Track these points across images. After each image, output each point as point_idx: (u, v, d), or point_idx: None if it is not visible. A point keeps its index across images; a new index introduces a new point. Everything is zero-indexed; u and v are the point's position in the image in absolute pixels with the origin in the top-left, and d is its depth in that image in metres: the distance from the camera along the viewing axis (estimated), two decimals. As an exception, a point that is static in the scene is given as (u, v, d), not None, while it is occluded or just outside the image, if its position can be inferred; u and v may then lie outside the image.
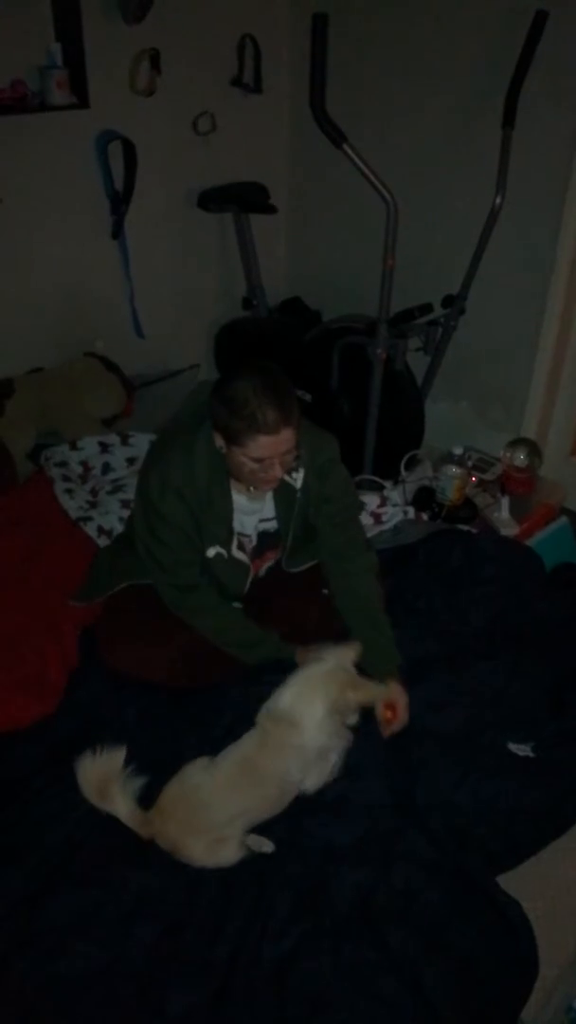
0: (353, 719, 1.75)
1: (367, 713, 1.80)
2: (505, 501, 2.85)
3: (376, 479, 2.87)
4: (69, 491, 2.57)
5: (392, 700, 1.82)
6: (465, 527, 2.70)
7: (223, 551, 1.94)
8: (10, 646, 2.05)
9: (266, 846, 1.70)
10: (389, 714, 1.83)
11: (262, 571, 2.13)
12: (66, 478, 2.64)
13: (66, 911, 1.56)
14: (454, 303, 2.91)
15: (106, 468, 2.76)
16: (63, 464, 2.71)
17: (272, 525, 2.00)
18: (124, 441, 2.82)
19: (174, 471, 1.81)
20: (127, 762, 1.68)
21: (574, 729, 1.97)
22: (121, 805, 1.64)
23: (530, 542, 2.72)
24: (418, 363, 3.03)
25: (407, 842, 1.72)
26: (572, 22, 2.53)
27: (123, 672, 2.03)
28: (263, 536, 2.02)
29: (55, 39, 2.58)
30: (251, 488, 1.86)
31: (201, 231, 3.31)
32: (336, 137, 2.27)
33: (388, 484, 2.87)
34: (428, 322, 2.85)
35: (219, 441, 1.75)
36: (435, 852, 1.70)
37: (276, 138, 3.42)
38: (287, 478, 1.87)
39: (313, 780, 1.74)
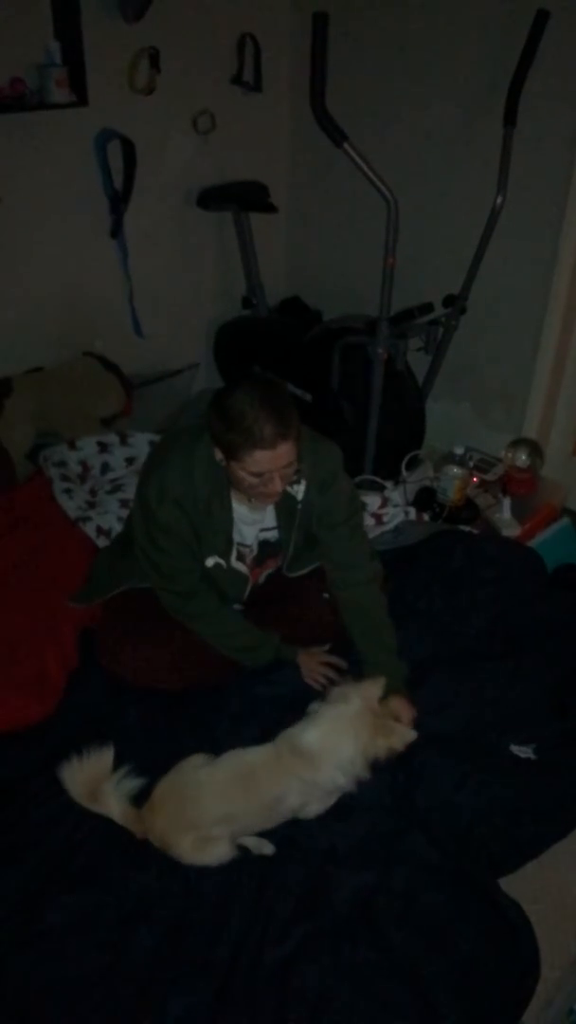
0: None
1: None
2: (506, 502, 2.85)
3: (377, 479, 2.87)
4: (68, 491, 2.56)
5: (398, 715, 1.80)
6: (466, 528, 2.70)
7: (222, 561, 1.93)
8: (9, 646, 2.04)
9: (266, 847, 1.70)
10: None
11: (262, 578, 2.12)
12: (65, 478, 2.63)
13: (66, 912, 1.56)
14: (455, 303, 2.91)
15: (105, 468, 2.75)
16: (62, 464, 2.70)
17: (273, 535, 1.98)
18: (123, 441, 2.81)
19: (173, 479, 1.78)
20: (126, 762, 1.68)
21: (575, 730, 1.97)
22: (114, 805, 1.64)
23: (532, 543, 2.71)
24: (419, 363, 3.02)
25: (408, 844, 1.72)
26: (573, 21, 2.52)
27: (123, 678, 2.02)
28: (264, 545, 2.00)
29: (54, 37, 2.57)
30: (252, 499, 1.85)
31: (201, 230, 3.30)
32: (336, 136, 2.27)
33: (389, 484, 2.86)
34: (429, 322, 2.84)
35: (218, 455, 1.72)
36: (436, 854, 1.70)
37: (276, 137, 3.42)
38: (289, 489, 1.84)
39: (314, 809, 1.73)
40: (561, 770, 1.87)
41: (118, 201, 2.91)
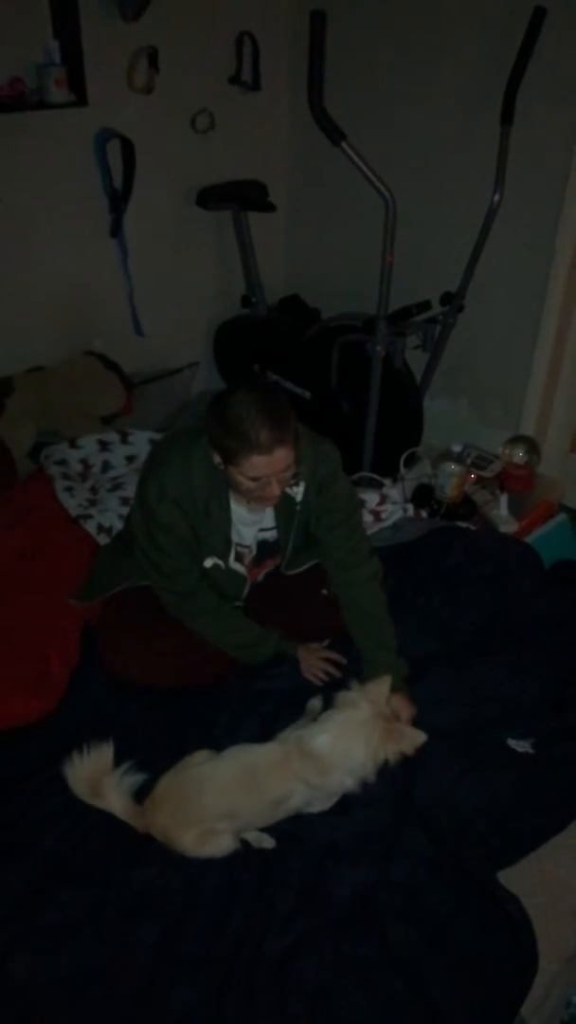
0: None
1: None
2: (504, 498, 2.85)
3: (375, 477, 2.87)
4: (69, 489, 2.57)
5: (398, 713, 1.81)
6: (464, 524, 2.70)
7: (220, 562, 1.94)
8: (12, 644, 2.05)
9: (266, 842, 1.71)
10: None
11: (260, 577, 2.13)
12: (66, 476, 2.64)
13: (67, 908, 1.57)
14: (453, 300, 2.91)
15: (106, 466, 2.77)
16: (63, 462, 2.71)
17: (272, 535, 1.99)
18: (123, 439, 2.83)
19: (173, 480, 1.79)
20: (127, 759, 1.69)
21: (573, 725, 1.98)
22: (115, 800, 1.65)
23: (529, 539, 2.72)
24: (417, 361, 3.03)
25: (407, 838, 1.73)
26: (570, 18, 2.53)
27: (124, 675, 2.03)
28: (263, 545, 2.01)
29: (53, 36, 2.58)
30: (250, 502, 1.85)
31: (200, 229, 3.31)
32: (334, 135, 2.27)
33: (387, 481, 2.87)
34: (427, 320, 2.85)
35: (216, 458, 1.72)
36: (435, 848, 1.71)
37: (275, 136, 3.42)
38: (288, 490, 1.85)
39: (318, 807, 1.75)
40: (559, 764, 1.88)
41: (118, 200, 2.92)
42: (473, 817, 1.76)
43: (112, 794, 1.65)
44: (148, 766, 1.71)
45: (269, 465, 1.64)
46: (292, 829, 1.73)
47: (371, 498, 2.72)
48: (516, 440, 3.00)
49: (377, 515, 2.70)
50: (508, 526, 2.78)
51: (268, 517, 1.95)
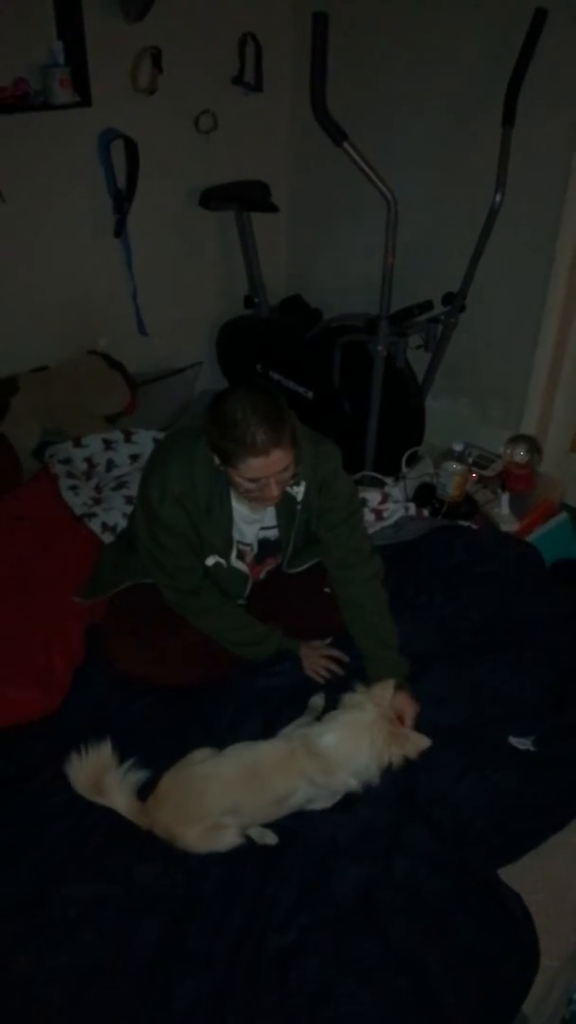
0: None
1: None
2: (505, 497, 2.86)
3: (377, 476, 2.88)
4: (73, 488, 2.59)
5: (401, 711, 1.81)
6: (466, 523, 2.71)
7: (222, 561, 1.95)
8: (16, 642, 2.06)
9: (269, 837, 1.71)
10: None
11: (262, 575, 2.14)
12: (70, 475, 2.65)
13: (70, 905, 1.58)
14: (454, 300, 2.92)
15: (110, 465, 2.77)
16: (67, 461, 2.72)
17: (273, 533, 1.99)
18: (128, 438, 2.83)
19: (175, 478, 1.80)
20: (130, 756, 1.70)
21: (574, 724, 1.98)
22: (118, 797, 1.66)
23: (530, 538, 2.72)
24: (419, 360, 3.03)
25: (408, 836, 1.73)
26: (571, 20, 2.53)
27: (127, 673, 2.04)
28: (264, 543, 2.02)
29: (57, 37, 2.58)
30: (251, 502, 1.85)
31: (203, 229, 3.31)
32: (337, 135, 2.28)
33: (389, 481, 2.88)
34: (428, 320, 2.85)
35: (215, 459, 1.72)
36: (436, 845, 1.71)
37: (277, 136, 3.43)
38: (289, 490, 1.85)
39: (320, 804, 1.76)
40: (560, 762, 1.89)
41: (121, 200, 2.92)
42: (474, 815, 1.77)
43: (115, 791, 1.66)
44: (151, 763, 1.72)
45: (266, 467, 1.65)
46: (294, 826, 1.73)
47: (373, 497, 2.73)
48: (517, 439, 3.01)
49: (379, 514, 2.71)
50: (509, 525, 2.79)
51: (269, 516, 1.95)
